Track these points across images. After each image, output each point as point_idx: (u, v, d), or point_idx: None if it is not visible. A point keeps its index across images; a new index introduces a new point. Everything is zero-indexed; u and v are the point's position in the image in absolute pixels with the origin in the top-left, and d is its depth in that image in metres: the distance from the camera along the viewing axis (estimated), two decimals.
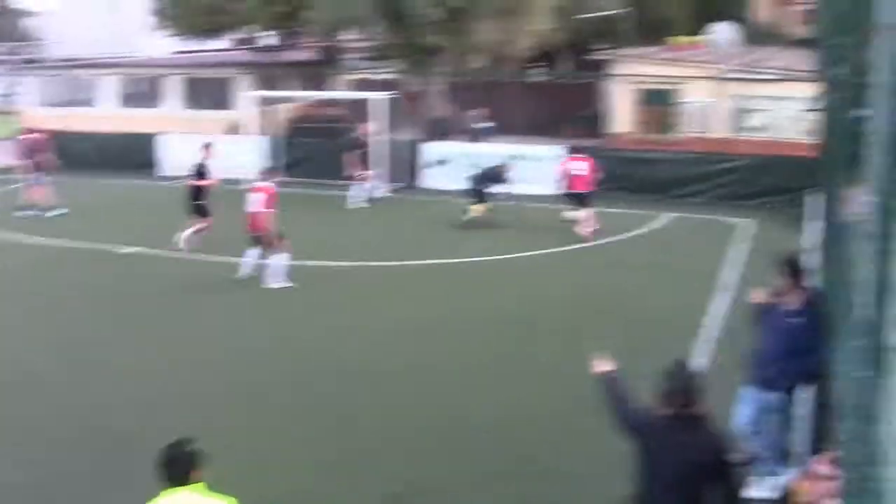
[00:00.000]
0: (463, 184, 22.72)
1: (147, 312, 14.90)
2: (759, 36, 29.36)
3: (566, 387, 11.45)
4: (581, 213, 20.07)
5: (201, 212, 18.55)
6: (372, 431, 10.32)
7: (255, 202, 16.12)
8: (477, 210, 21.01)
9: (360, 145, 24.21)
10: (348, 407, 11.04)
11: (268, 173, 17.00)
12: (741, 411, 8.66)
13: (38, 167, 22.75)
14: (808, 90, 22.86)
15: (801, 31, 41.58)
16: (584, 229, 19.93)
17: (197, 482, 5.56)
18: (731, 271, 16.97)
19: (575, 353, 12.51)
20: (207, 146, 19.47)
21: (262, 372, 12.21)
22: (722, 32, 28.23)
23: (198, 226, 18.49)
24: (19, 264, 18.26)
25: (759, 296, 9.15)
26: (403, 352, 12.95)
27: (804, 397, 9.06)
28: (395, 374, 12.11)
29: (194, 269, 17.59)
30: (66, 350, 13.10)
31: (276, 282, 15.98)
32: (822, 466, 6.37)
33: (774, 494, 8.63)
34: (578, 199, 20.31)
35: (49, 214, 22.70)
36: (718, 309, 14.64)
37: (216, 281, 16.72)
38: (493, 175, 21.47)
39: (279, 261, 16.03)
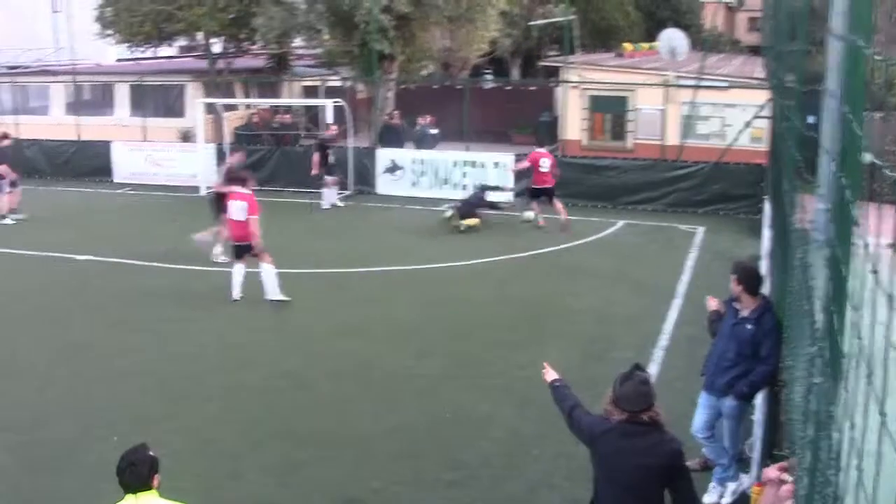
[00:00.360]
0: (414, 190, 22.72)
1: (100, 319, 14.70)
2: (708, 43, 29.57)
3: (515, 393, 11.45)
4: (558, 205, 21.06)
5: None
6: (320, 436, 10.23)
7: (239, 210, 15.33)
8: (471, 222, 21.30)
9: (325, 147, 24.11)
10: (289, 412, 10.96)
11: (241, 180, 15.99)
12: (697, 417, 8.68)
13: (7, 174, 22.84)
14: (758, 97, 23.22)
15: (749, 38, 42.02)
16: (564, 217, 21.03)
17: (154, 487, 5.67)
18: (684, 278, 17.06)
19: (526, 360, 12.58)
20: (234, 152, 19.77)
21: (204, 379, 12.08)
22: (672, 39, 28.39)
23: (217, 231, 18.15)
24: None
25: (713, 303, 9.20)
26: (354, 356, 12.88)
27: (758, 403, 9.12)
28: (339, 378, 12.04)
29: (150, 276, 17.39)
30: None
31: (276, 293, 15.45)
32: (776, 473, 6.39)
33: (729, 500, 8.68)
34: (546, 194, 21.10)
35: (7, 221, 22.76)
36: (673, 315, 14.69)
37: (172, 287, 16.55)
38: (480, 199, 22.00)
39: (270, 270, 15.49)
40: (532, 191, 21.42)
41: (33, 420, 10.93)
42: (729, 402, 8.45)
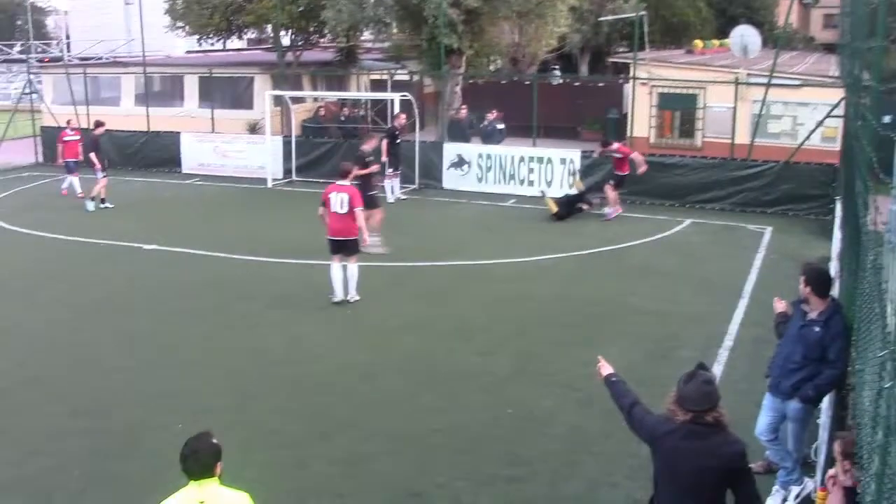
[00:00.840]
0: (480, 186, 22.73)
1: (165, 309, 14.92)
2: (782, 40, 29.15)
3: (577, 390, 11.42)
4: (613, 195, 21.97)
5: (372, 203, 18.09)
6: (385, 430, 10.28)
7: (341, 202, 14.79)
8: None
9: (394, 136, 24.18)
10: (354, 406, 11.02)
11: (345, 172, 15.36)
12: (761, 420, 8.57)
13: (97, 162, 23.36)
14: (832, 96, 22.83)
15: (825, 35, 41.30)
16: (615, 208, 22.01)
17: (217, 475, 5.67)
18: (751, 278, 16.84)
19: (589, 358, 12.51)
20: (369, 139, 20.14)
21: (270, 370, 12.20)
22: (744, 36, 28.01)
23: (369, 218, 17.81)
24: (42, 260, 18.32)
25: (780, 304, 9.08)
26: (414, 351, 12.92)
27: (824, 407, 8.98)
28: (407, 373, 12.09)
29: (215, 266, 17.61)
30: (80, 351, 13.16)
31: (355, 294, 15.18)
32: (841, 477, 6.30)
33: (794, 503, 8.56)
34: (620, 182, 22.08)
35: (90, 207, 23.39)
36: (738, 316, 14.52)
37: (237, 278, 16.74)
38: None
39: (357, 269, 15.22)
40: (619, 178, 22.03)
41: (101, 407, 11.14)
42: (794, 405, 8.34)
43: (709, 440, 5.79)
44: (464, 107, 29.37)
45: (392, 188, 24.17)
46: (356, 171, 16.11)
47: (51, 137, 31.40)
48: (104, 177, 23.50)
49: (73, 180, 24.62)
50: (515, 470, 9.39)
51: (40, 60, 45.86)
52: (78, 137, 24.96)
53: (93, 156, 23.28)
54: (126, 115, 33.92)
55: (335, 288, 15.02)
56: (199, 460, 5.61)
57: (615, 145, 22.44)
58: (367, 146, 19.84)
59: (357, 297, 15.02)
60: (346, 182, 15.07)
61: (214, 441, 5.75)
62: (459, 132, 27.91)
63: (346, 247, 14.94)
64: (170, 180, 28.15)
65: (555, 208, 21.86)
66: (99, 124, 24.01)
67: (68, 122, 25.84)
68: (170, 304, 15.44)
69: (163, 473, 9.28)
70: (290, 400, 11.34)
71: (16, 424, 10.63)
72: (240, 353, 12.98)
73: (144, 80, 33.82)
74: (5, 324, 14.40)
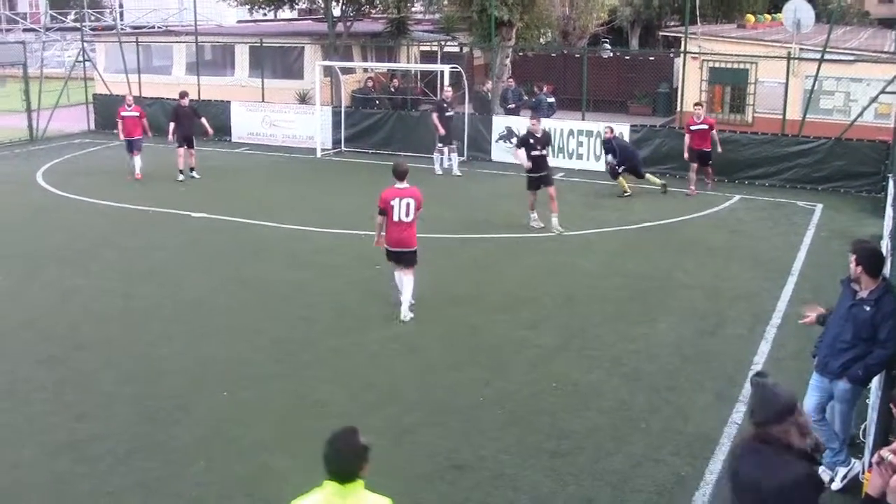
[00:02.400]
0: None
1: (212, 277, 15.08)
2: (836, 15, 28.70)
3: (624, 365, 11.42)
4: (693, 173, 21.79)
5: (532, 185, 18.36)
6: (429, 402, 10.34)
7: (407, 209, 12.94)
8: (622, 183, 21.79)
9: (443, 109, 24.16)
10: (400, 377, 11.10)
11: (402, 173, 13.19)
12: (808, 399, 8.51)
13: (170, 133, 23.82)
14: (886, 72, 22.47)
15: (880, 10, 40.56)
16: (691, 188, 21.79)
17: (362, 478, 5.04)
18: (801, 255, 16.68)
19: (637, 334, 12.49)
20: (532, 118, 19.18)
21: (316, 340, 12.30)
22: (797, 11, 27.58)
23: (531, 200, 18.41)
24: (93, 227, 18.59)
25: (810, 315, 8.92)
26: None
27: (874, 388, 8.90)
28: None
29: (262, 235, 17.77)
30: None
31: (410, 309, 13.36)
32: (889, 458, 6.25)
33: (840, 485, 8.51)
34: (702, 158, 21.77)
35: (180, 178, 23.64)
36: (787, 293, 14.40)
37: (284, 247, 16.88)
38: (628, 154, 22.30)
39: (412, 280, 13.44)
40: (694, 153, 21.73)
41: (149, 374, 11.30)
42: (842, 386, 8.27)
43: (771, 459, 5.13)
44: (515, 80, 29.24)
45: (441, 161, 24.16)
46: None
47: (103, 105, 31.82)
48: (179, 147, 23.61)
49: (135, 160, 23.59)
50: (560, 444, 9.41)
51: (94, 29, 46.24)
52: (137, 114, 23.85)
53: (171, 125, 23.73)
54: (177, 83, 34.14)
55: (403, 302, 13.25)
56: (343, 462, 4.98)
57: (703, 116, 22.02)
58: (535, 126, 18.61)
59: (410, 315, 13.15)
60: (406, 184, 13.09)
61: (362, 440, 5.07)
62: (509, 105, 27.86)
63: (404, 258, 13.23)
64: (219, 149, 28.32)
65: (627, 190, 21.62)
66: (183, 95, 24.15)
67: (125, 98, 25.00)
68: (217, 272, 15.59)
69: (209, 440, 9.49)
70: (336, 370, 11.42)
71: (67, 389, 10.80)
72: (287, 323, 13.09)
73: (196, 49, 33.99)
74: (58, 290, 14.63)
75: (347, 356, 11.86)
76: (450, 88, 24.93)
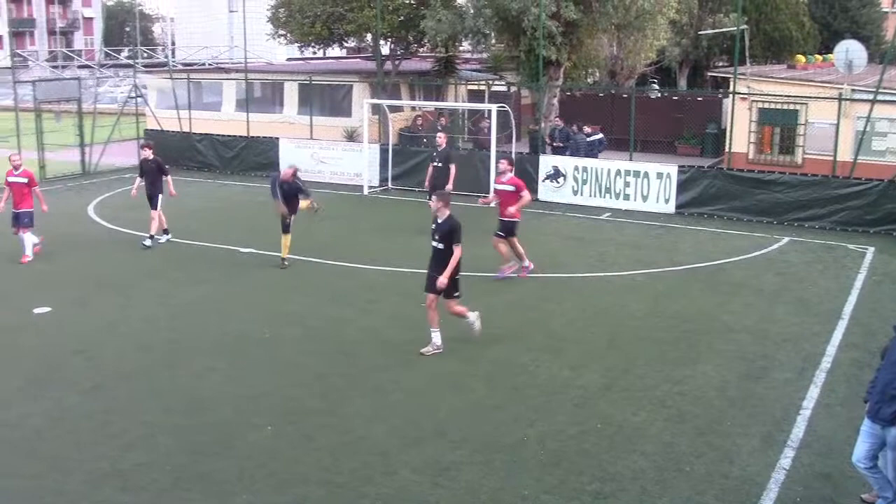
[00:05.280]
0: (575, 198, 22.42)
1: (257, 311, 15.15)
2: (889, 55, 28.44)
3: (669, 407, 11.29)
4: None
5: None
6: (472, 440, 10.27)
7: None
8: None
9: (432, 158, 22.71)
10: (443, 414, 11.04)
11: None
12: (859, 446, 8.34)
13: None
14: None
15: None
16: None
17: None
18: (851, 299, 16.42)
19: (681, 376, 12.33)
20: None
21: (360, 375, 12.28)
22: (849, 51, 27.39)
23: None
24: (141, 259, 18.78)
25: None
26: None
27: None
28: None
29: (310, 271, 17.83)
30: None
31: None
32: None
33: None
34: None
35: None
36: (837, 337, 14.17)
37: (329, 283, 16.92)
38: None
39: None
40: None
41: (193, 405, 11.38)
42: (895, 433, 8.09)
43: None
44: (562, 119, 29.23)
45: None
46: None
47: (154, 140, 32.18)
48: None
49: (24, 238, 18.71)
50: (603, 486, 9.30)
51: (146, 65, 46.98)
52: (26, 180, 18.73)
53: (136, 180, 20.60)
54: (227, 119, 34.63)
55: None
56: None
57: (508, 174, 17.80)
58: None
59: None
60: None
61: None
62: (556, 144, 27.85)
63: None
64: (268, 185, 28.47)
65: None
66: (145, 146, 20.71)
67: (11, 158, 18.98)
68: (262, 306, 15.67)
69: (251, 473, 9.49)
70: (378, 406, 11.39)
71: (112, 419, 10.90)
72: (330, 357, 13.11)
73: (245, 86, 34.42)
74: (105, 320, 14.80)
75: (389, 392, 11.84)
76: (442, 134, 22.89)
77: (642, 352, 13.47)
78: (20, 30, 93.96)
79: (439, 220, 13.10)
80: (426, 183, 21.44)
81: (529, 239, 21.23)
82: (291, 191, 18.20)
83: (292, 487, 9.21)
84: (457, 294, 13.22)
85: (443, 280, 12.79)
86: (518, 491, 9.17)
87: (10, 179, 18.73)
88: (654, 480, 9.43)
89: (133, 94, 33.13)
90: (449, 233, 12.92)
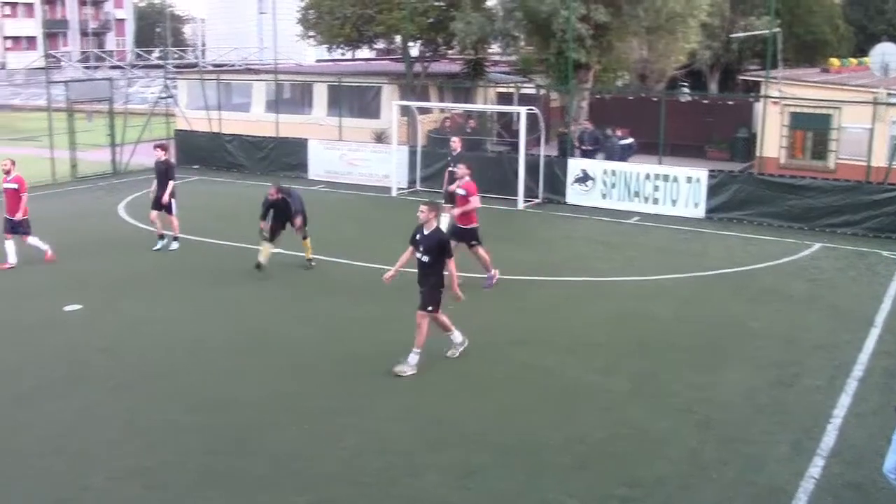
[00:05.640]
0: (604, 202, 22.29)
1: (282, 312, 15.15)
2: None
3: (695, 414, 11.18)
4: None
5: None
6: (497, 442, 10.20)
7: None
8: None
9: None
10: (467, 416, 10.98)
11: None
12: (890, 456, 8.20)
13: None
14: None
15: None
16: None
17: None
18: (884, 307, 16.19)
19: (708, 382, 12.21)
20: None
21: (384, 378, 12.23)
22: (885, 54, 27.08)
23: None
24: (168, 258, 18.85)
25: None
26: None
27: None
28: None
29: (332, 272, 17.82)
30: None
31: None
32: None
33: None
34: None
35: None
36: (869, 345, 13.98)
37: (352, 283, 16.90)
38: None
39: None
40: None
41: (217, 404, 11.40)
42: None
43: None
44: (591, 122, 29.11)
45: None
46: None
47: (184, 140, 32.45)
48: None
49: (6, 245, 18.14)
50: (628, 491, 9.20)
51: (177, 66, 47.23)
52: (17, 186, 18.04)
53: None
54: (256, 120, 34.73)
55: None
56: None
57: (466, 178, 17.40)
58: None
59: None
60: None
61: None
62: (585, 147, 27.74)
63: None
64: (296, 185, 28.46)
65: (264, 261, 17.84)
66: (159, 147, 20.48)
67: (2, 164, 18.33)
68: (288, 308, 15.72)
69: (274, 473, 9.47)
70: (404, 408, 11.36)
71: (137, 417, 10.95)
72: (355, 359, 13.09)
73: (275, 87, 34.51)
74: (131, 319, 14.88)
75: (416, 394, 11.80)
76: (456, 139, 22.28)
77: (670, 357, 13.36)
78: (53, 31, 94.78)
79: (425, 232, 12.70)
80: (444, 187, 21.04)
81: (557, 242, 21.23)
82: (281, 211, 17.87)
83: (315, 487, 9.19)
84: (430, 308, 12.78)
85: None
86: (542, 495, 9.09)
87: (3, 186, 18.31)
88: (681, 487, 9.32)
89: (164, 95, 33.32)
90: (438, 247, 12.62)
